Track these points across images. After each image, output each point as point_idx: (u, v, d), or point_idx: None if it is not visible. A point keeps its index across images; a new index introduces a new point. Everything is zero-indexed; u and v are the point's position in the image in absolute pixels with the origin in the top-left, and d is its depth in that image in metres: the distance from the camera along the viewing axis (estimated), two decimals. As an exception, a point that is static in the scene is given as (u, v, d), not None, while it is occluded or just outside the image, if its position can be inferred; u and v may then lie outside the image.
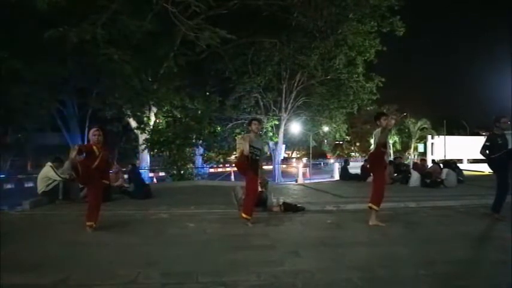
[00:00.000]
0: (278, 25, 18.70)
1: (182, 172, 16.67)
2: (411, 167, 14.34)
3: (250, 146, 6.28)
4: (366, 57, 21.57)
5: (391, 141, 42.14)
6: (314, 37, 19.16)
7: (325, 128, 29.19)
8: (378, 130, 6.28)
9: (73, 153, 5.55)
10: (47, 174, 8.91)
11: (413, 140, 44.45)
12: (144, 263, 4.27)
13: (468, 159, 28.56)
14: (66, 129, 24.25)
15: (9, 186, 19.75)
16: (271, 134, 25.16)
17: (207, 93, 21.61)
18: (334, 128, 27.71)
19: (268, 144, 25.94)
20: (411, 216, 7.25)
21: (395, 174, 13.26)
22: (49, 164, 9.04)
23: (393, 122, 6.49)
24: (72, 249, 4.97)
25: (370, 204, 6.37)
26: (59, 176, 8.82)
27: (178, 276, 3.87)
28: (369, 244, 5.28)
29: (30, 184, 16.22)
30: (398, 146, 46.91)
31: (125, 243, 5.30)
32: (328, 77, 22.65)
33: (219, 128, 21.30)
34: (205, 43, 13.13)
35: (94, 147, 6.02)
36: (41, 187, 8.93)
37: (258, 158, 6.56)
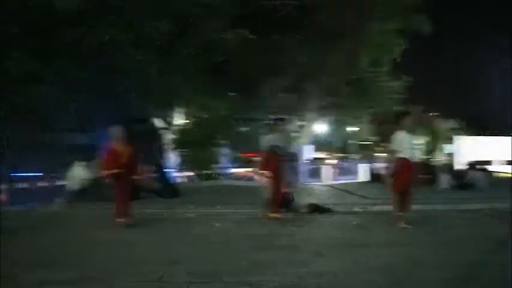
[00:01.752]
0: (300, 25, 18.57)
1: (209, 172, 16.77)
2: (440, 168, 14.05)
3: (274, 145, 6.31)
4: (391, 56, 21.23)
5: (419, 143, 41.30)
6: (338, 36, 18.95)
7: (351, 128, 28.87)
8: (400, 132, 6.17)
9: (104, 172, 5.82)
10: (76, 173, 9.14)
11: (442, 141, 43.43)
12: (170, 262, 4.30)
13: (500, 161, 27.57)
14: (93, 129, 24.71)
15: (40, 184, 20.34)
16: (296, 134, 24.99)
17: (232, 94, 21.64)
18: (360, 128, 27.35)
19: (294, 144, 25.82)
20: (438, 219, 7.10)
21: (424, 176, 13.00)
22: (78, 163, 9.28)
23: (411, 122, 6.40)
24: (100, 246, 5.08)
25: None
26: (87, 174, 9.03)
27: (203, 276, 3.89)
28: (395, 246, 5.18)
29: (61, 183, 16.66)
30: (426, 148, 45.90)
31: (152, 241, 5.39)
32: (354, 77, 22.38)
33: (244, 129, 21.28)
34: (228, 43, 13.16)
35: (117, 145, 6.12)
36: (70, 186, 9.16)
37: (282, 158, 6.56)
